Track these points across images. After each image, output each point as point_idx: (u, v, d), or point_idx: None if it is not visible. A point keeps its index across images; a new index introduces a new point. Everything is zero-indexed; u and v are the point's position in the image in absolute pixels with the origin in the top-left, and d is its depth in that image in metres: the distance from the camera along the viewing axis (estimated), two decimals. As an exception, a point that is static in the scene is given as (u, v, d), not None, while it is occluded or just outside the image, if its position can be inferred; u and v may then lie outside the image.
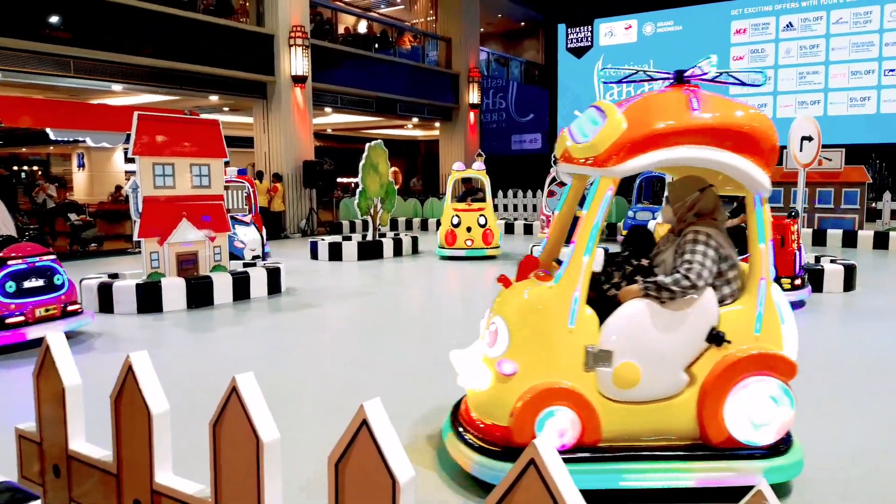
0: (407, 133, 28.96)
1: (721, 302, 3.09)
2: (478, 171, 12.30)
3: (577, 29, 24.02)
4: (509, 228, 17.49)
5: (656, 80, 3.38)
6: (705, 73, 3.29)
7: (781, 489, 3.09)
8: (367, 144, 11.99)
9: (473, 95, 23.73)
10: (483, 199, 12.27)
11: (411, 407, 4.25)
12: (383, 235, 12.98)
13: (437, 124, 24.70)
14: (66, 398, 1.55)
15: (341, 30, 21.50)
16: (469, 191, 12.65)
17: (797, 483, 3.17)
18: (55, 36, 12.99)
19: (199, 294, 7.71)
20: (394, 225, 18.59)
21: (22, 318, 5.85)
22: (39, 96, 17.25)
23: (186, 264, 7.91)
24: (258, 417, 1.24)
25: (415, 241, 13.19)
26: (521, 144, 25.60)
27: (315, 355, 5.83)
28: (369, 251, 12.22)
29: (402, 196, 19.30)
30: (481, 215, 11.91)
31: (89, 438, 1.68)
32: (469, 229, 11.85)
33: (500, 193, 19.64)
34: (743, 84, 3.43)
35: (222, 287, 7.92)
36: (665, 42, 22.27)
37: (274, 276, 8.53)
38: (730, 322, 3.03)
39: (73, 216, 14.79)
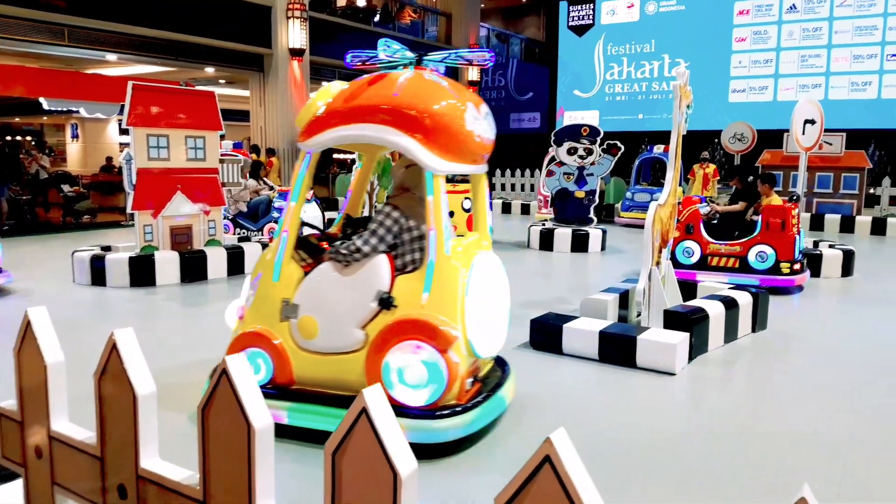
0: (405, 109, 28.67)
1: (403, 269, 3.41)
2: None
3: (579, 6, 23.71)
4: (506, 208, 17.38)
5: (398, 64, 3.60)
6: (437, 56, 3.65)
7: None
8: (365, 120, 11.87)
9: (472, 72, 23.46)
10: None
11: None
12: (379, 212, 12.89)
13: (436, 101, 24.45)
14: (48, 376, 1.47)
15: (341, 2, 21.19)
16: None
17: (790, 472, 3.13)
18: (50, 4, 12.74)
19: (193, 268, 7.61)
20: (390, 202, 18.46)
21: None
22: (33, 65, 16.98)
23: (181, 238, 7.81)
24: (250, 403, 1.18)
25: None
26: (519, 123, 25.39)
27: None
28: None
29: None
30: (466, 198, 10.07)
31: (75, 418, 1.61)
32: (452, 214, 10.99)
33: (498, 172, 19.51)
34: (470, 64, 3.69)
35: (216, 261, 7.83)
36: (667, 21, 22.01)
37: (269, 252, 8.44)
38: (402, 288, 3.30)
39: (66, 187, 14.64)
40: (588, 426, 3.67)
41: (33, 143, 22.91)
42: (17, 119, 22.65)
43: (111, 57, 14.86)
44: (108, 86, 17.71)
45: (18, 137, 23.62)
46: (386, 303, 3.28)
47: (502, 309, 3.66)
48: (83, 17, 13.18)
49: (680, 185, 12.23)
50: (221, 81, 20.36)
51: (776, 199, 7.55)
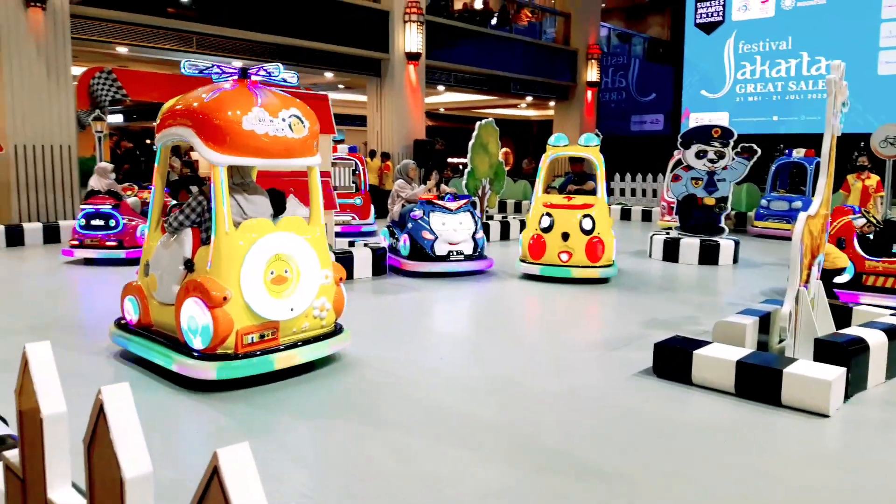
0: (520, 113, 28.23)
1: (208, 241, 4.17)
2: (586, 147, 8.28)
3: (708, 3, 22.30)
4: (626, 214, 16.55)
5: (226, 73, 4.39)
6: (270, 75, 4.50)
7: None
8: (478, 123, 11.49)
9: (592, 73, 22.67)
10: (593, 191, 8.28)
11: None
12: (490, 218, 12.47)
13: (552, 104, 23.84)
14: (45, 430, 1.18)
15: (458, 5, 21.04)
16: (578, 175, 8.82)
17: None
18: (180, 13, 13.31)
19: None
20: (503, 207, 18.04)
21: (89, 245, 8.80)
22: (166, 72, 17.90)
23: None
24: (123, 447, 1.00)
25: (523, 224, 12.59)
26: (640, 125, 24.27)
27: (416, 343, 5.44)
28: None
29: (513, 177, 18.71)
30: (586, 216, 7.84)
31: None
32: (566, 236, 7.80)
33: (618, 176, 18.67)
34: (285, 83, 4.73)
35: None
36: (806, 17, 20.28)
37: (380, 257, 8.21)
38: (202, 256, 4.16)
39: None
40: (724, 476, 3.10)
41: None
42: (154, 123, 24.03)
43: (236, 63, 15.36)
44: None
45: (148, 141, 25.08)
46: (188, 266, 4.22)
47: (308, 281, 4.32)
48: (211, 24, 13.67)
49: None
50: (340, 86, 20.72)
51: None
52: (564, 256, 7.80)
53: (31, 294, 7.28)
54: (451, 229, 8.08)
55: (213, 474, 0.81)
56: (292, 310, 4.24)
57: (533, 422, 3.76)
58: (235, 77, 4.36)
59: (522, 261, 8.19)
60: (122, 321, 4.77)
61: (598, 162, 8.16)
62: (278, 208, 4.64)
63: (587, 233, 7.76)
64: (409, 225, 8.15)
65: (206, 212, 4.32)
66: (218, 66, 4.37)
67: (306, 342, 4.37)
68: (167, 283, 4.34)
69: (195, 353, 4.05)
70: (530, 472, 3.14)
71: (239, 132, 4.07)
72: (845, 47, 19.21)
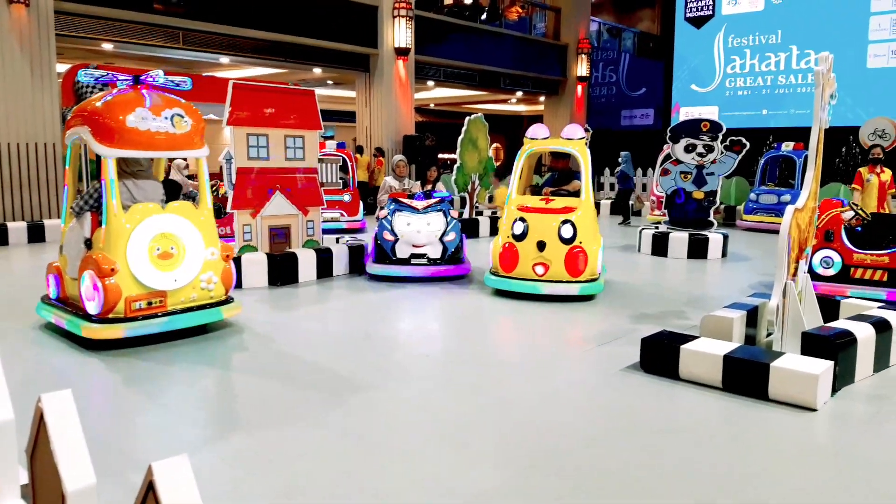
0: (510, 108, 28.17)
1: (102, 223, 4.83)
2: (569, 140, 7.08)
3: (697, -3, 22.29)
4: (616, 209, 16.53)
5: (121, 80, 5.04)
6: (154, 80, 5.12)
7: None
8: (467, 118, 11.43)
9: (582, 68, 22.63)
10: (577, 192, 7.14)
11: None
12: (480, 213, 12.42)
13: (542, 98, 23.79)
14: (-9, 437, 1.13)
15: (448, 0, 20.93)
16: (562, 173, 7.66)
17: None
18: (168, 9, 13.17)
19: (283, 270, 7.38)
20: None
21: None
22: (152, 67, 17.73)
23: (278, 237, 7.66)
24: (66, 459, 0.95)
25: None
26: (631, 120, 24.28)
27: (391, 346, 5.38)
28: (465, 229, 11.67)
29: (505, 173, 18.66)
30: (566, 221, 6.61)
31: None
32: (542, 245, 6.60)
33: (607, 171, 18.66)
34: (178, 87, 5.24)
35: (307, 264, 7.59)
36: (795, 10, 20.29)
37: (357, 255, 8.11)
38: (98, 236, 4.86)
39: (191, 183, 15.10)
40: (710, 472, 3.08)
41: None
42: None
43: (224, 59, 15.24)
44: (220, 88, 18.22)
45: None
46: (87, 244, 4.93)
47: (193, 257, 5.02)
48: (198, 20, 13.54)
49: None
50: (329, 82, 20.60)
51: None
52: (540, 269, 6.61)
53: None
54: (415, 230, 7.45)
55: (149, 490, 0.76)
56: (175, 280, 4.94)
57: (518, 419, 3.72)
58: (130, 83, 5.05)
59: (493, 273, 6.90)
60: (47, 297, 5.44)
61: (584, 159, 6.98)
62: (171, 195, 5.32)
63: (567, 241, 6.55)
64: (377, 225, 7.74)
65: (102, 197, 4.91)
66: (113, 74, 5.08)
67: (179, 311, 5.03)
68: (73, 261, 5.05)
69: (92, 318, 4.72)
70: (517, 471, 3.10)
71: (124, 129, 4.78)
72: (835, 41, 19.23)
